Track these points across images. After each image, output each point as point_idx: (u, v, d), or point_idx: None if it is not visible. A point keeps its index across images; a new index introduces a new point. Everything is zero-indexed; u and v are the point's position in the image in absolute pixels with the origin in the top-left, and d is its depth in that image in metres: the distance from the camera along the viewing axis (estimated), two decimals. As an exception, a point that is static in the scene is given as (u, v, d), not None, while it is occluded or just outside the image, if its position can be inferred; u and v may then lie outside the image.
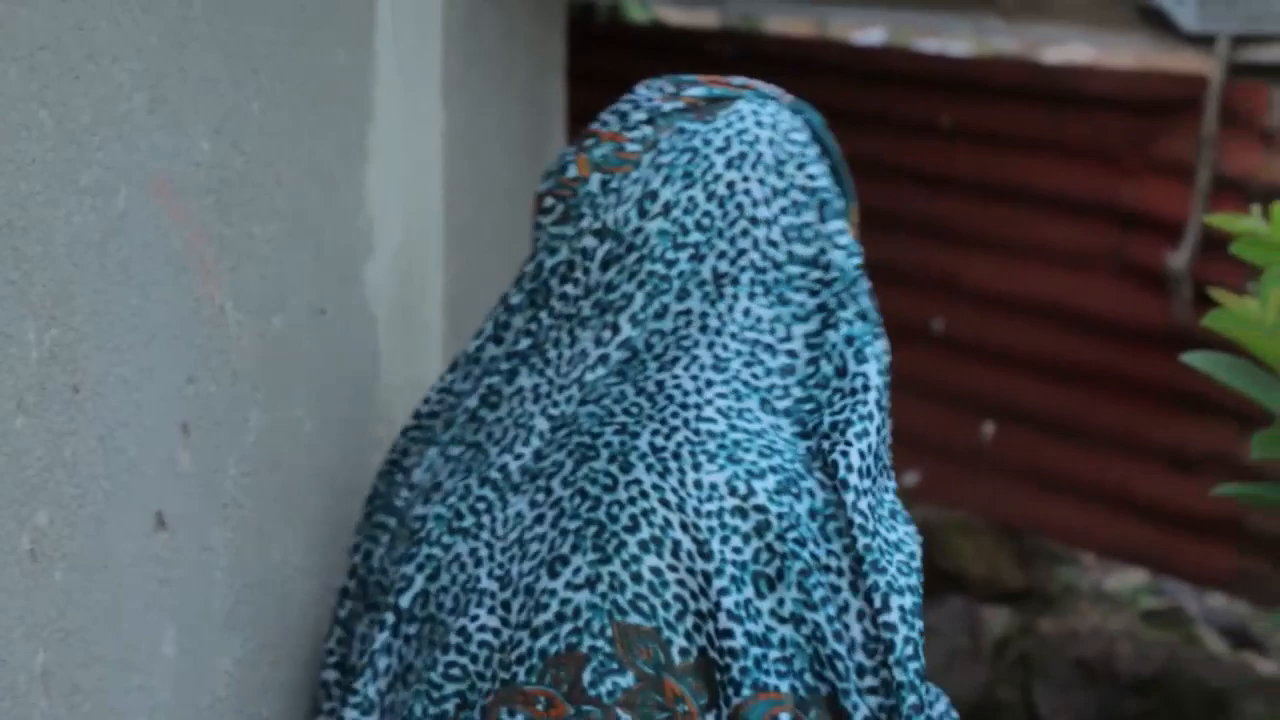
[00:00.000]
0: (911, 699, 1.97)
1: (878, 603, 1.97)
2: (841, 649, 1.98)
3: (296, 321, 2.23)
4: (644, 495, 2.00)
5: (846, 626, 1.99)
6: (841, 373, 2.11)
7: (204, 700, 1.92)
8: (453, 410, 2.21)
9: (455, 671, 2.02)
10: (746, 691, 1.95)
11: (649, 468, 2.01)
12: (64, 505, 1.67)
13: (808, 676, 1.98)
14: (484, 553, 2.06)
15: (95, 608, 1.71)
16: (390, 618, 2.08)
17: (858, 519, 2.01)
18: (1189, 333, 4.36)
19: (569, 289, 2.14)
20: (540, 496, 2.06)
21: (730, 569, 1.97)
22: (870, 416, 2.07)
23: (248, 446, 2.07)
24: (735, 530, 1.99)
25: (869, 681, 1.98)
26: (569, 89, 4.47)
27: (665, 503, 2.00)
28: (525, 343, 2.16)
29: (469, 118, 3.21)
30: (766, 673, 1.96)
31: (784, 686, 1.97)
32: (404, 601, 2.08)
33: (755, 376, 2.10)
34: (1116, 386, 4.92)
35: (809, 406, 2.11)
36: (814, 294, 2.15)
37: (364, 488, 2.42)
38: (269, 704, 2.08)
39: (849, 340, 2.12)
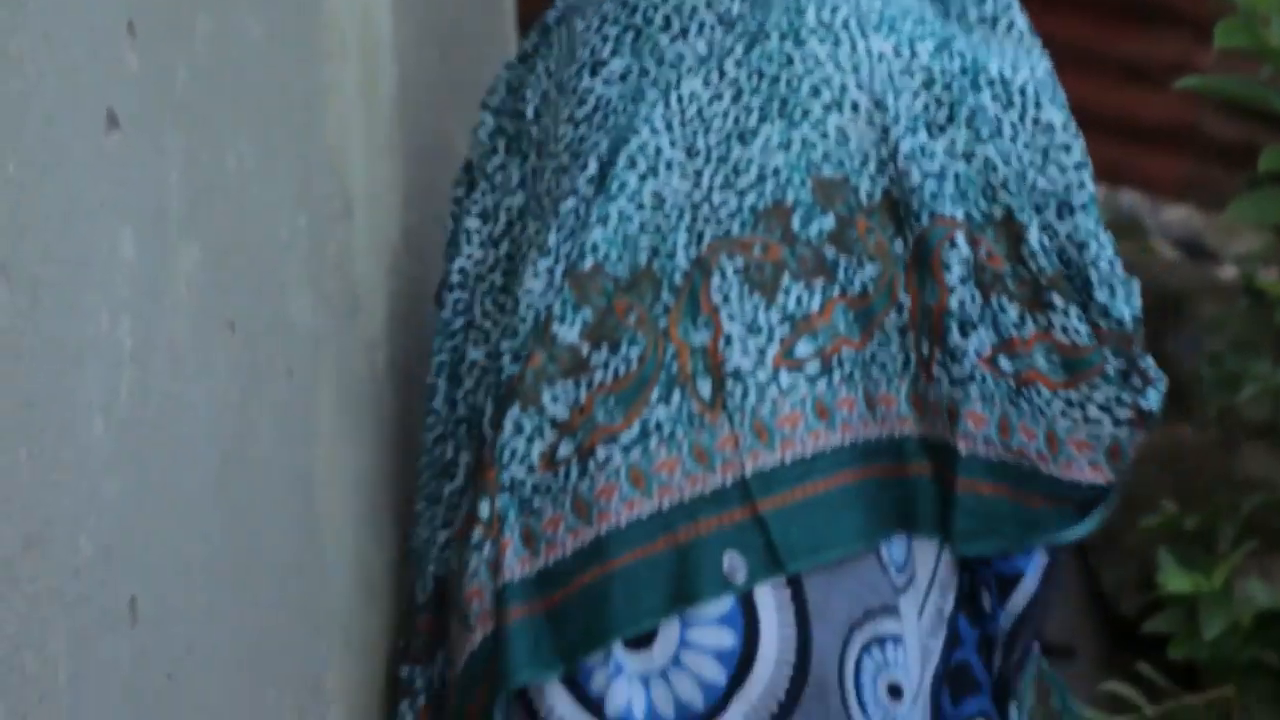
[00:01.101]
0: (1096, 211, 2.27)
1: (1051, 125, 2.28)
2: (1010, 173, 2.23)
3: (239, -76, 2.18)
4: (819, 65, 2.24)
5: (1015, 153, 2.24)
6: None
7: (166, 301, 1.91)
8: None
9: (650, 228, 2.22)
10: (924, 221, 2.22)
11: (820, 40, 2.24)
12: (11, 102, 1.64)
13: (982, 203, 2.24)
14: (660, 123, 2.25)
15: (49, 205, 1.70)
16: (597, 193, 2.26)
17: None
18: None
19: None
20: (715, 77, 2.27)
21: (904, 119, 2.22)
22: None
23: (196, 50, 2.03)
24: (905, 88, 2.24)
25: (1038, 197, 2.25)
26: None
27: (840, 69, 2.24)
28: None
29: None
30: (942, 203, 2.21)
31: (959, 213, 2.23)
32: (625, 176, 2.25)
33: None
34: (1070, 1, 4.87)
35: None
36: None
37: (319, 98, 2.40)
38: (230, 305, 2.08)
39: None
